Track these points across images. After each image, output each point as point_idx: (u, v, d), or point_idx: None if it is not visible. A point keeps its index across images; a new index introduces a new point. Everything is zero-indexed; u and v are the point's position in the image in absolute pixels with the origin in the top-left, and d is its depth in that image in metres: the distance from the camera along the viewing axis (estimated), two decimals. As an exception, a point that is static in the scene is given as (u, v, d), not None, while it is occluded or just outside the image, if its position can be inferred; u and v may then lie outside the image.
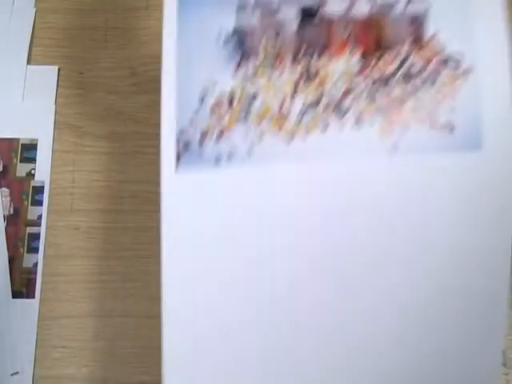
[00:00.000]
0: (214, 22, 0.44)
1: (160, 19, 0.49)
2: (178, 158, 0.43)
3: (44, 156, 0.66)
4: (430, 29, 0.44)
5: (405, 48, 0.44)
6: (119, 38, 0.69)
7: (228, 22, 0.44)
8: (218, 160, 0.43)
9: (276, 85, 0.43)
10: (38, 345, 0.60)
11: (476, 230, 0.40)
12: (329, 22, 0.44)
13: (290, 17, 0.44)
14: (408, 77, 0.43)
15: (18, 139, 0.66)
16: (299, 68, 0.43)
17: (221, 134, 0.43)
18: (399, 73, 0.43)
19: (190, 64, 0.43)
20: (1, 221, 0.63)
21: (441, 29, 0.43)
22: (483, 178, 0.41)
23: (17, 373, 0.59)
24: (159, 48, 0.47)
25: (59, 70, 0.69)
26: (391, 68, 0.44)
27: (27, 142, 0.66)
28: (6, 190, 0.65)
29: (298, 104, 0.43)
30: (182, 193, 0.42)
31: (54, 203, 0.64)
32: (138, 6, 0.70)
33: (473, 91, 0.42)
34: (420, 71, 0.43)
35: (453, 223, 0.41)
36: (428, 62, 0.43)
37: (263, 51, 0.44)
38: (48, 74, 0.68)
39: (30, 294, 0.62)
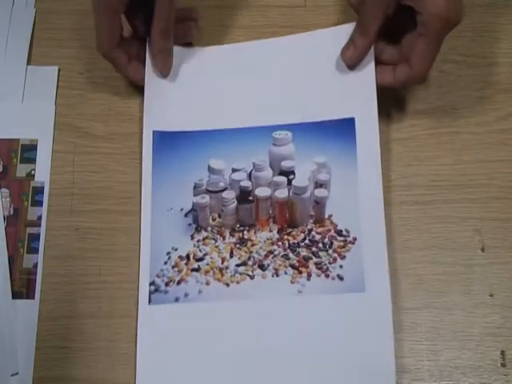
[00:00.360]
0: (178, 200, 0.63)
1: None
2: (150, 296, 0.61)
3: (44, 156, 0.66)
4: (327, 211, 0.62)
5: (309, 226, 0.62)
6: (119, 38, 0.69)
7: (187, 200, 0.63)
8: (177, 298, 0.61)
9: (219, 248, 0.62)
10: (38, 345, 0.60)
11: (358, 347, 0.58)
12: (258, 201, 0.63)
13: (231, 196, 0.63)
14: (311, 243, 0.62)
15: (17, 140, 0.66)
16: (236, 237, 0.62)
17: (179, 281, 0.61)
18: (305, 241, 0.62)
19: (159, 234, 0.62)
20: (1, 221, 0.63)
21: (335, 211, 0.62)
22: (366, 312, 0.58)
23: (17, 373, 0.59)
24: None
25: (59, 70, 0.69)
26: (299, 238, 0.62)
27: (27, 142, 0.66)
28: (5, 191, 0.65)
29: (234, 262, 0.61)
30: (152, 319, 0.60)
31: (54, 204, 0.64)
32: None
33: (357, 254, 0.60)
34: (320, 239, 0.62)
35: (342, 340, 0.58)
36: (326, 233, 0.62)
37: (210, 227, 0.63)
38: (48, 75, 0.68)
39: (29, 295, 0.62)
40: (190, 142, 0.65)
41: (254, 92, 0.66)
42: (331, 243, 0.61)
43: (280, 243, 0.62)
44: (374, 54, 0.63)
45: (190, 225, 0.63)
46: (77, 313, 0.61)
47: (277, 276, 0.61)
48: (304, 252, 0.61)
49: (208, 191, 0.64)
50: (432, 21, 0.58)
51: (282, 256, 0.61)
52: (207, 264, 0.61)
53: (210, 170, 0.64)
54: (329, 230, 0.62)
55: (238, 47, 0.68)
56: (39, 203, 0.64)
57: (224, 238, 0.63)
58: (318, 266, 0.61)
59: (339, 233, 0.62)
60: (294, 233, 0.62)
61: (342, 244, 0.61)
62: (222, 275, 0.61)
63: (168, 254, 0.62)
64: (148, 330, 0.60)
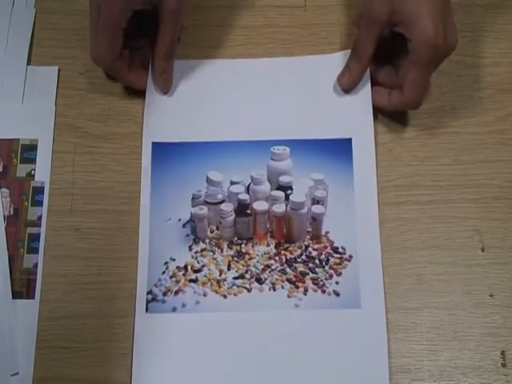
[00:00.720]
0: (176, 210, 0.64)
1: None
2: (147, 305, 0.61)
3: (44, 156, 0.66)
4: (324, 228, 0.63)
5: (306, 242, 0.63)
6: (119, 38, 0.69)
7: (185, 211, 0.64)
8: (174, 308, 0.61)
9: (217, 260, 0.63)
10: (38, 345, 0.60)
11: (351, 360, 0.59)
12: (255, 215, 0.64)
13: (229, 209, 0.64)
14: (308, 259, 0.62)
15: (17, 140, 0.66)
16: (233, 250, 0.63)
17: (177, 292, 0.62)
18: (302, 256, 0.63)
19: (158, 243, 0.63)
20: (1, 221, 0.63)
21: (331, 229, 0.63)
22: (361, 328, 0.60)
23: (17, 373, 0.59)
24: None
25: (59, 70, 0.69)
26: (296, 254, 0.63)
27: (27, 142, 0.66)
28: (6, 191, 0.65)
29: (231, 274, 0.62)
30: (149, 327, 0.60)
31: (54, 204, 0.64)
32: (137, 6, 0.70)
33: (353, 271, 0.62)
34: (317, 255, 0.63)
35: (337, 356, 0.59)
36: (322, 249, 0.63)
37: (208, 239, 0.63)
38: (48, 75, 0.68)
39: (29, 295, 0.62)
40: (189, 153, 0.65)
41: (253, 107, 0.67)
42: (327, 260, 0.62)
43: (277, 258, 0.63)
44: (370, 78, 0.65)
45: (187, 236, 0.64)
46: (77, 313, 0.61)
47: (274, 290, 0.61)
48: (301, 267, 0.62)
49: (206, 203, 0.64)
50: (421, 49, 0.59)
51: (279, 271, 0.62)
52: (205, 275, 0.62)
53: (209, 181, 0.64)
54: (325, 247, 0.63)
55: (240, 63, 0.68)
56: (39, 203, 0.64)
57: (222, 251, 0.63)
58: (315, 281, 0.62)
59: (335, 250, 0.63)
60: (291, 248, 0.63)
61: (338, 261, 0.62)
62: (220, 287, 0.62)
63: (166, 263, 0.62)
64: (144, 338, 0.60)
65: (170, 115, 0.66)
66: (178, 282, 0.62)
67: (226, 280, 0.62)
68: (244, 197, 0.64)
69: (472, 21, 0.69)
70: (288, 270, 0.62)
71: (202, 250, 0.63)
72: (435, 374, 0.59)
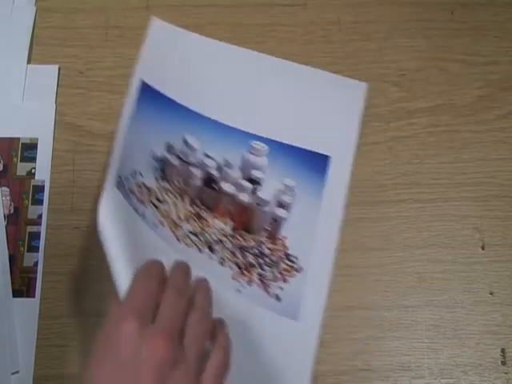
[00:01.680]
0: (150, 142, 0.63)
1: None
2: (117, 181, 0.58)
3: (44, 155, 0.66)
4: (282, 231, 0.63)
5: (262, 237, 0.63)
6: (119, 37, 0.69)
7: (158, 148, 0.63)
8: (136, 209, 0.59)
9: (177, 207, 0.62)
10: (38, 344, 0.60)
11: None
12: (221, 193, 0.64)
13: (198, 175, 0.63)
14: (261, 254, 0.62)
15: (18, 138, 0.66)
16: (194, 209, 0.63)
17: (140, 200, 0.60)
18: (255, 249, 0.62)
19: (129, 151, 0.60)
20: (1, 220, 0.63)
21: (289, 235, 0.63)
22: (292, 340, 0.60)
23: (17, 372, 0.60)
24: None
25: (59, 69, 0.69)
26: (250, 244, 0.63)
27: (27, 141, 0.66)
28: (6, 190, 0.65)
29: (187, 227, 0.62)
30: (115, 203, 0.57)
31: (54, 202, 0.64)
32: (138, 5, 0.70)
33: (299, 283, 0.61)
34: (269, 254, 0.62)
35: (260, 352, 0.60)
36: (276, 251, 0.62)
37: (174, 184, 0.63)
38: (48, 74, 0.68)
39: (30, 293, 0.62)
40: (172, 112, 0.65)
41: (246, 97, 0.66)
42: (278, 263, 0.62)
43: (231, 238, 0.63)
44: (362, 100, 0.65)
45: (156, 169, 0.63)
46: (77, 311, 0.61)
47: (222, 265, 0.62)
48: (251, 258, 0.62)
49: (179, 158, 0.64)
50: None
51: (231, 252, 0.62)
52: (165, 210, 0.61)
53: (186, 144, 0.64)
54: (279, 250, 0.63)
55: (248, 53, 0.68)
56: (39, 202, 0.64)
57: (183, 201, 0.63)
58: (261, 277, 0.62)
59: (288, 256, 0.63)
60: (246, 237, 0.63)
61: (288, 268, 0.62)
62: (176, 228, 0.61)
63: (135, 172, 0.61)
64: (109, 214, 0.56)
65: (166, 65, 0.66)
66: (141, 194, 0.61)
67: (182, 228, 0.61)
68: (214, 172, 0.64)
69: (472, 19, 0.69)
70: (239, 255, 0.62)
71: (166, 190, 0.62)
72: (435, 372, 0.59)
